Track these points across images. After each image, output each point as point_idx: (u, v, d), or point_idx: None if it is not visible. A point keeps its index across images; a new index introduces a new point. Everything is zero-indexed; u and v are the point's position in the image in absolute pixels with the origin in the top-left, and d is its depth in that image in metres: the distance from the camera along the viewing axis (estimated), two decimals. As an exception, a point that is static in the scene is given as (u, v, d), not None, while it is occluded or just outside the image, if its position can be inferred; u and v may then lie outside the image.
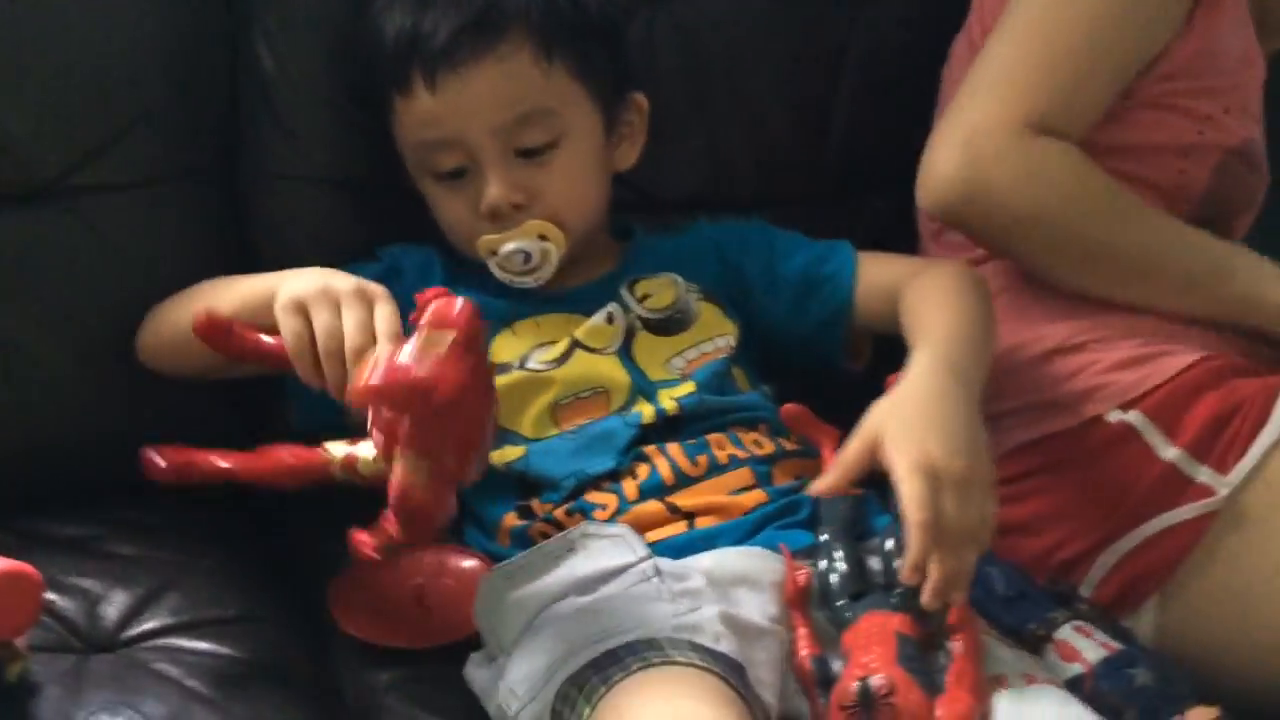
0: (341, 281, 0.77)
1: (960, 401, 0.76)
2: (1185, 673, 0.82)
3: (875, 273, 0.92)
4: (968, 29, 1.02)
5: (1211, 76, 0.94)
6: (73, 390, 0.93)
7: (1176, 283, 0.92)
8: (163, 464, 0.78)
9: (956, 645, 0.69)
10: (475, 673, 0.78)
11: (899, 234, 1.11)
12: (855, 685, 0.67)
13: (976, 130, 0.87)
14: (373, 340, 0.74)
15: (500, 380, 0.85)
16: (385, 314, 0.75)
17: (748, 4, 1.09)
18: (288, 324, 0.76)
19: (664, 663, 0.67)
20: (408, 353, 0.67)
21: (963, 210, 0.88)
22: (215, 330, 0.77)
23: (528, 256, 0.85)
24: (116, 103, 0.92)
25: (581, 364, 0.86)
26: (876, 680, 0.66)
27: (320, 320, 0.75)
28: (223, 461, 0.78)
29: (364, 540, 0.69)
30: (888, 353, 0.89)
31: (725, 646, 0.69)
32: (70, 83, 0.91)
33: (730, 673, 0.68)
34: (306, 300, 0.76)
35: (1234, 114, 0.95)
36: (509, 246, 0.84)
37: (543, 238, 0.85)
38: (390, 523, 0.68)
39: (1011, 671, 0.73)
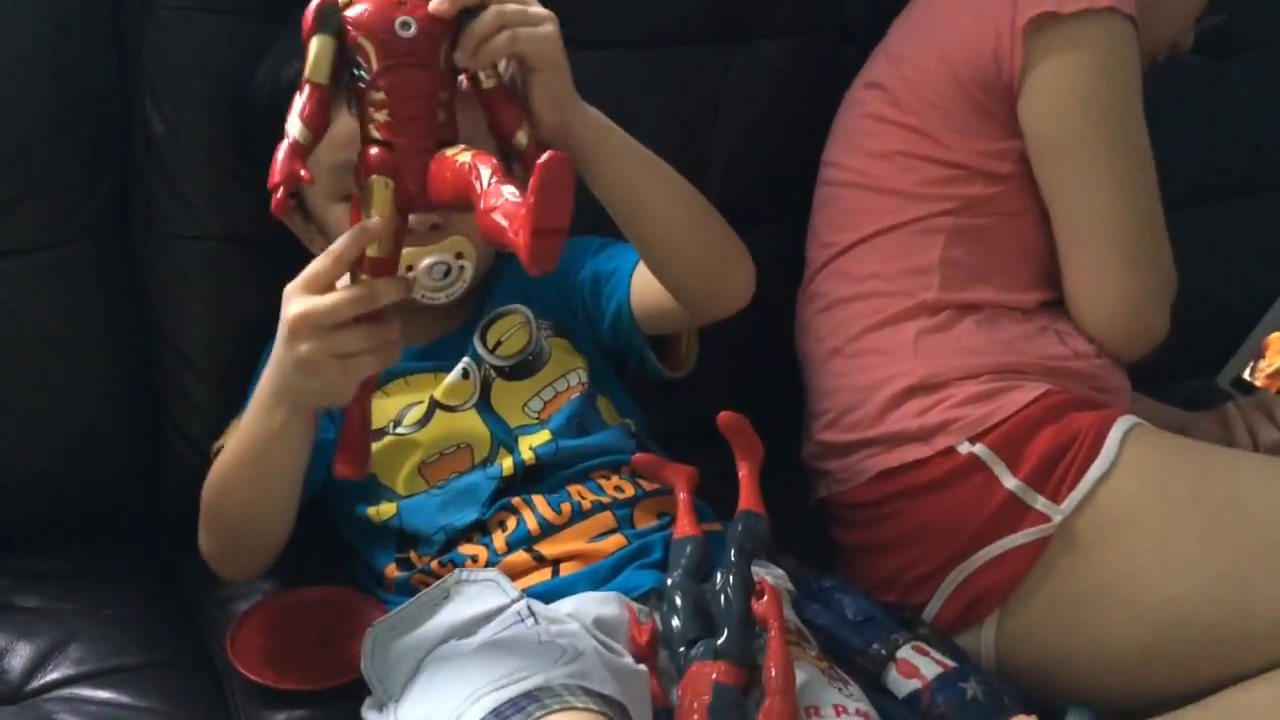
0: (280, 338, 0.76)
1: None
2: (1011, 687, 0.90)
3: None
4: (863, 76, 1.09)
5: None
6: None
7: None
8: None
9: (770, 680, 0.75)
10: (370, 715, 0.82)
11: (776, 269, 1.16)
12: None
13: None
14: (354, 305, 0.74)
15: (375, 446, 0.89)
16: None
17: (632, 48, 1.13)
18: (321, 378, 0.75)
19: (563, 708, 0.70)
20: None
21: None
22: (346, 460, 0.79)
23: (447, 270, 0.85)
24: (6, 172, 0.94)
25: (442, 423, 0.90)
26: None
27: (324, 347, 0.74)
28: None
29: None
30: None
31: (610, 689, 0.74)
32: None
33: (619, 714, 0.73)
34: (299, 358, 0.75)
35: None
36: (428, 260, 0.85)
37: (459, 255, 0.86)
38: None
39: (824, 703, 0.79)
